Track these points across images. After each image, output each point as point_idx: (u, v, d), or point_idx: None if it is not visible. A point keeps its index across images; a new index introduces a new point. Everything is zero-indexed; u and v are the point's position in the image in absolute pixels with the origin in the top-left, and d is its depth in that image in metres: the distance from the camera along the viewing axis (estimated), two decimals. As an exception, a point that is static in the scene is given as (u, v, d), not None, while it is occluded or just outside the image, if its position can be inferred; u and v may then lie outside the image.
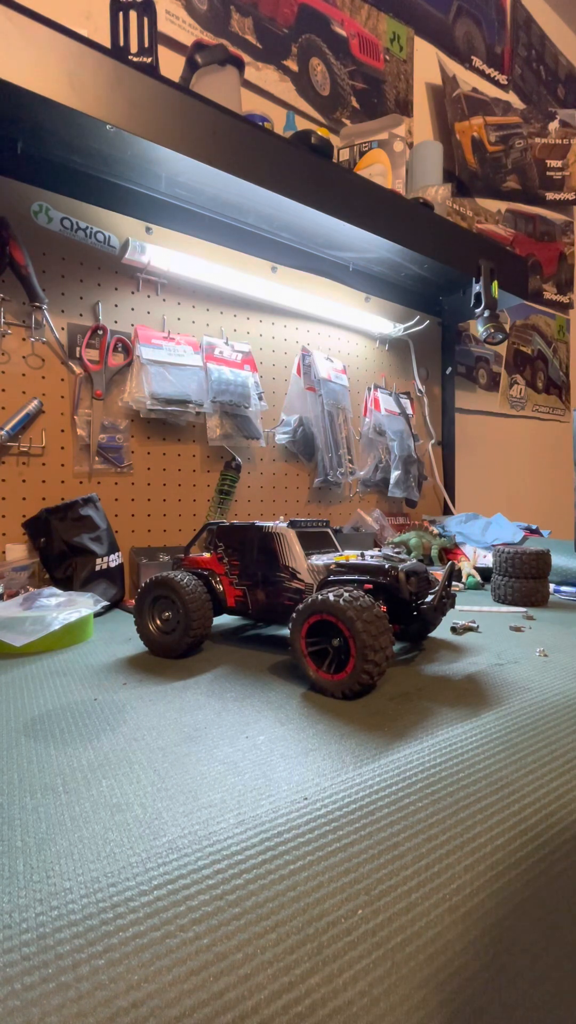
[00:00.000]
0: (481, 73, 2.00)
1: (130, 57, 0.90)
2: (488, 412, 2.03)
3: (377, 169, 1.28)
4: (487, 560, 1.15)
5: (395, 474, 1.43)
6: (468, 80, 1.94)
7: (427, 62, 1.81)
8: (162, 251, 1.06)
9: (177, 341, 1.09)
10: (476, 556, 1.17)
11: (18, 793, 0.33)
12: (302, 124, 1.46)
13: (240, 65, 1.07)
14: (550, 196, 2.15)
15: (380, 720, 0.43)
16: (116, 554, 0.92)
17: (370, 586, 0.54)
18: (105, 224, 1.02)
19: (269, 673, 0.55)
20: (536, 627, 0.75)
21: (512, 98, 2.12)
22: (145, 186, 1.04)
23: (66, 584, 0.85)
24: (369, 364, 1.47)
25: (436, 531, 1.22)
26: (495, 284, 1.38)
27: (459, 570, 1.11)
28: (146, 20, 0.91)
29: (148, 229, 1.07)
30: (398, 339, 1.53)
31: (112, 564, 0.90)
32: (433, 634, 0.71)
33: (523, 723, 0.43)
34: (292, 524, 0.61)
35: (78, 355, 0.98)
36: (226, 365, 1.15)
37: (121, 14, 0.90)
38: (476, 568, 1.13)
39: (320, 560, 0.58)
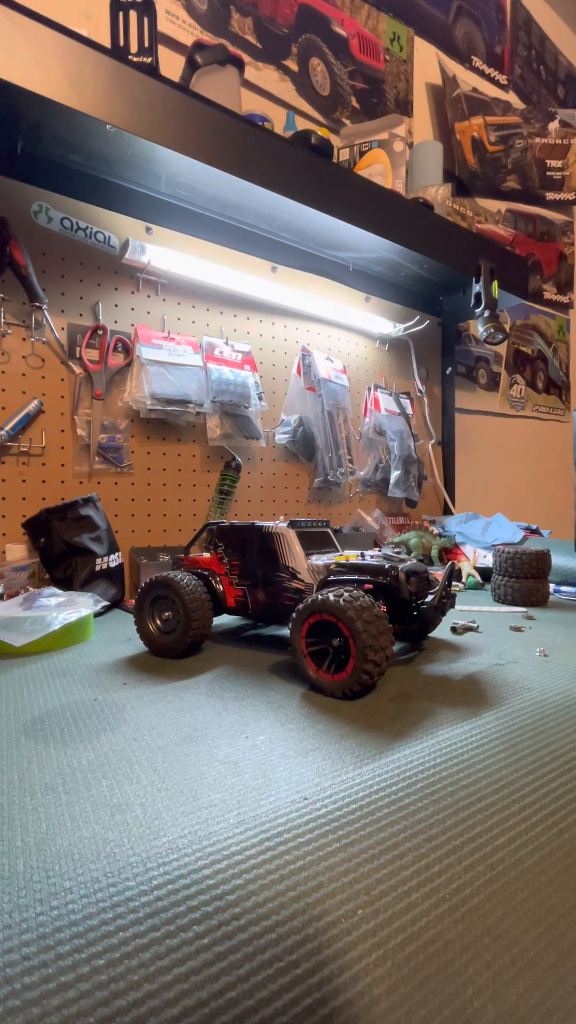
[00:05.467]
0: (481, 73, 2.00)
1: (130, 57, 0.90)
2: (488, 412, 2.03)
3: (377, 169, 1.28)
4: (487, 560, 1.15)
5: (395, 474, 1.43)
6: (468, 80, 1.94)
7: (427, 62, 1.81)
8: (162, 251, 1.06)
9: (177, 341, 1.09)
10: (476, 556, 1.17)
11: (18, 793, 0.33)
12: (302, 124, 1.46)
13: (240, 65, 1.07)
14: (550, 196, 2.15)
15: (380, 720, 0.43)
16: (116, 554, 0.92)
17: (370, 586, 0.54)
18: (105, 224, 1.02)
19: (269, 673, 0.55)
20: (536, 627, 0.75)
21: (512, 98, 2.12)
22: (145, 186, 1.04)
23: (66, 584, 0.85)
24: (369, 364, 1.47)
25: (436, 531, 1.22)
26: (495, 284, 1.38)
27: (459, 570, 1.11)
28: (146, 20, 0.91)
29: (148, 229, 1.07)
30: (398, 339, 1.53)
31: (112, 564, 0.90)
32: (433, 634, 0.71)
33: (523, 723, 0.43)
34: (292, 524, 0.61)
35: (78, 355, 0.98)
36: (226, 365, 1.15)
37: (121, 14, 0.90)
38: (476, 568, 1.13)
39: (320, 560, 0.58)
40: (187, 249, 1.11)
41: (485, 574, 1.14)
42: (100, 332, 1.01)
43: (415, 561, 0.58)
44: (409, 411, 1.51)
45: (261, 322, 1.25)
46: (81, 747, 0.39)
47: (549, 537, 1.33)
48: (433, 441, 1.63)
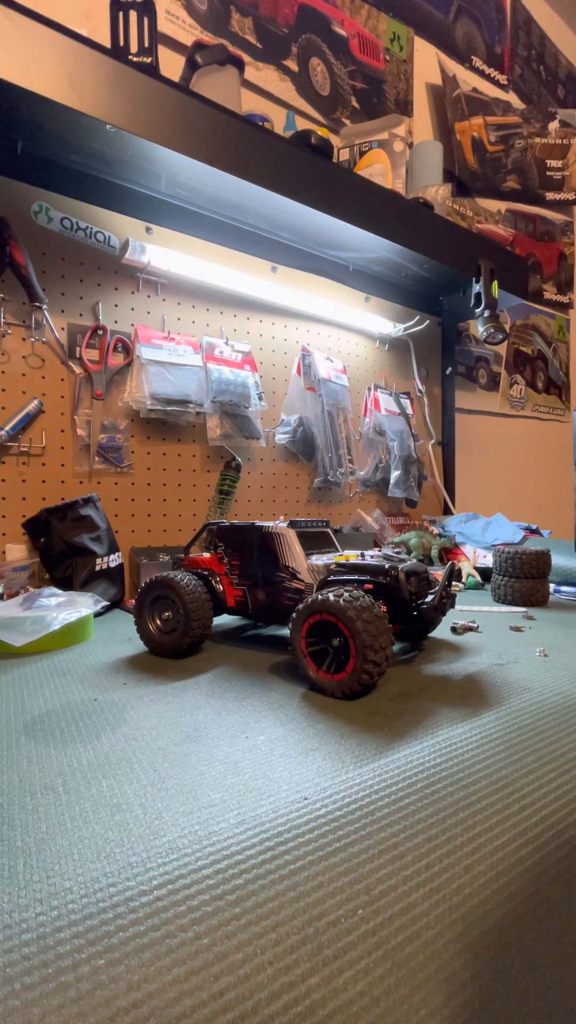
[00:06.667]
0: (481, 73, 2.00)
1: (130, 57, 0.90)
2: (488, 412, 2.03)
3: (377, 169, 1.28)
4: (487, 560, 1.15)
5: (395, 474, 1.43)
6: (468, 80, 1.94)
7: (427, 62, 1.81)
8: (162, 251, 1.06)
9: (177, 341, 1.09)
10: (476, 556, 1.17)
11: (18, 793, 0.33)
12: (302, 124, 1.46)
13: (240, 65, 1.07)
14: (550, 196, 2.15)
15: (380, 720, 0.43)
16: (116, 554, 0.92)
17: (370, 586, 0.54)
18: (105, 224, 1.02)
19: (269, 673, 0.55)
20: (536, 627, 0.75)
21: (512, 98, 2.12)
22: (145, 186, 1.04)
23: (66, 584, 0.85)
24: (369, 364, 1.47)
25: (436, 531, 1.22)
26: (495, 284, 1.38)
27: (459, 570, 1.11)
28: (146, 20, 0.91)
29: (148, 229, 1.07)
30: (398, 339, 1.53)
31: (112, 564, 0.90)
32: (433, 634, 0.71)
33: (523, 723, 0.43)
34: (292, 524, 0.61)
35: (78, 355, 0.98)
36: (226, 365, 1.15)
37: (121, 14, 0.90)
38: (476, 568, 1.13)
39: (320, 560, 0.58)
40: (187, 249, 1.11)
41: (485, 574, 1.14)
42: (100, 332, 1.01)
43: (415, 561, 0.58)
44: (409, 411, 1.51)
45: (261, 322, 1.25)
46: (81, 747, 0.39)
47: (549, 537, 1.33)
48: (433, 441, 1.63)
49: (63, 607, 0.69)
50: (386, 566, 0.54)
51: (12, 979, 0.20)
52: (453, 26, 1.89)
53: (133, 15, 0.91)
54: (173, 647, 0.60)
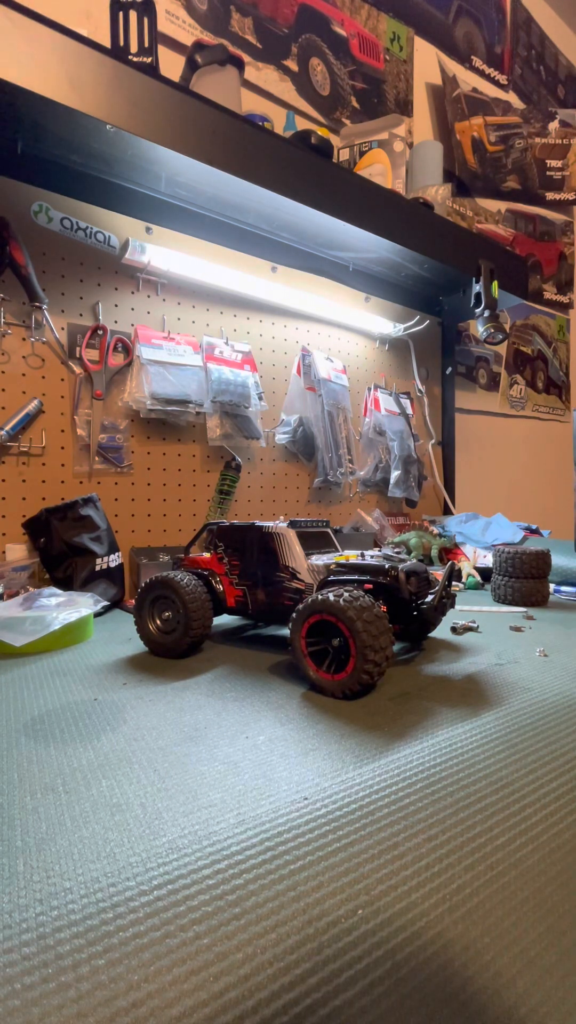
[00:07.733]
0: (481, 73, 2.00)
1: (130, 57, 0.90)
2: (488, 412, 2.03)
3: (377, 169, 1.28)
4: (487, 560, 1.15)
5: (395, 474, 1.43)
6: (468, 80, 1.94)
7: (427, 62, 1.81)
8: (162, 251, 1.06)
9: (177, 341, 1.09)
10: (476, 556, 1.17)
11: (18, 793, 0.33)
12: (302, 124, 1.46)
13: (240, 65, 1.07)
14: (550, 196, 2.15)
15: (380, 720, 0.43)
16: (116, 554, 0.92)
17: (370, 586, 0.54)
18: (105, 224, 1.02)
19: (269, 673, 0.55)
20: (536, 627, 0.75)
21: (512, 98, 2.12)
22: (145, 186, 1.04)
23: (66, 584, 0.85)
24: (369, 364, 1.47)
25: (436, 531, 1.22)
26: (495, 284, 1.38)
27: (459, 570, 1.11)
28: (146, 20, 0.91)
29: (148, 229, 1.07)
30: (398, 339, 1.53)
31: (112, 564, 0.90)
32: (433, 634, 0.71)
33: (523, 723, 0.43)
34: (292, 524, 0.61)
35: (78, 355, 0.98)
36: (226, 365, 1.15)
37: (121, 14, 0.90)
38: (476, 568, 1.13)
39: (320, 560, 0.58)
40: (187, 249, 1.11)
41: (485, 574, 1.14)
42: (100, 332, 1.01)
43: (415, 561, 0.58)
44: (409, 411, 1.51)
45: (261, 322, 1.25)
46: (81, 747, 0.39)
47: (549, 537, 1.33)
48: (433, 441, 1.63)
49: (63, 607, 0.69)
50: (386, 566, 0.54)
51: (12, 979, 0.20)
52: (453, 26, 1.89)
53: (133, 15, 0.91)
54: (173, 647, 0.60)
